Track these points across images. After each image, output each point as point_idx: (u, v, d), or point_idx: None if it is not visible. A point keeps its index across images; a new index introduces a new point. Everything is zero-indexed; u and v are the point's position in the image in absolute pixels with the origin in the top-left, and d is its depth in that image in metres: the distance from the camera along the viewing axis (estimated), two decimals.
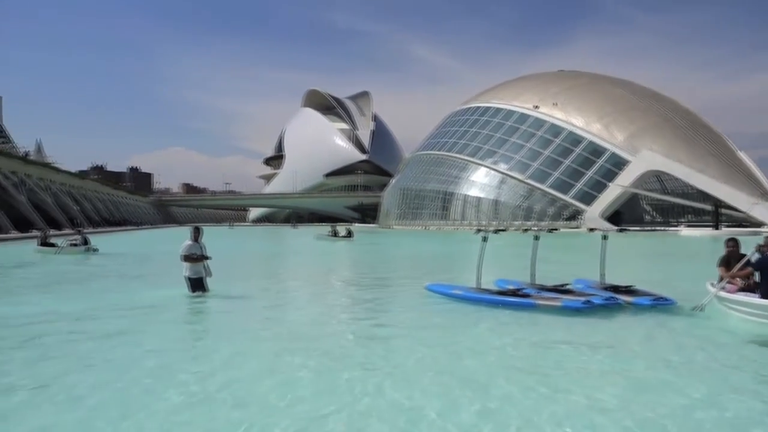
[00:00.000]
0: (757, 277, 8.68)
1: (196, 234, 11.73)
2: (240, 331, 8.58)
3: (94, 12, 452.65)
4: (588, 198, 62.24)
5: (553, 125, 67.40)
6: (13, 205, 58.97)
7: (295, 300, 12.53)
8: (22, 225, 54.34)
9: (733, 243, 9.60)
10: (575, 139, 65.50)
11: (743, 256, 9.24)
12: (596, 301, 9.60)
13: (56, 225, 59.70)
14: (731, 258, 9.39)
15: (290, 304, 12.01)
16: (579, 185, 62.95)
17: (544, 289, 10.90)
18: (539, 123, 68.39)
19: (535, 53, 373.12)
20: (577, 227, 60.27)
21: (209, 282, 11.73)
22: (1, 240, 40.58)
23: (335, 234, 42.22)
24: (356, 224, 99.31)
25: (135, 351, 7.11)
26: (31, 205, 61.26)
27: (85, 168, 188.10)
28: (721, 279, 9.22)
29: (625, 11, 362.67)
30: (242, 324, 9.30)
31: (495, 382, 5.64)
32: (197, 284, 11.55)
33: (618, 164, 62.82)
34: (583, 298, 9.69)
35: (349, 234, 41.94)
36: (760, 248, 9.07)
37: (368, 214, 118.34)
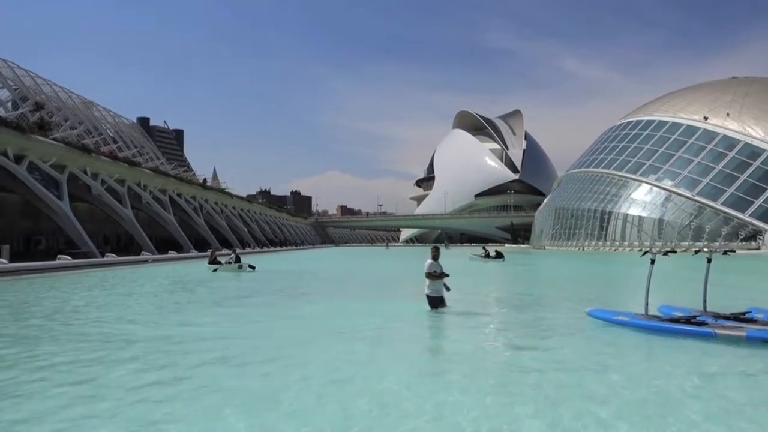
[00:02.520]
0: None
1: (436, 252, 12.44)
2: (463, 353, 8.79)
3: (258, 48, 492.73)
4: None
5: (726, 137, 61.57)
6: (193, 227, 65.54)
7: (466, 322, 11.94)
8: (200, 245, 60.07)
9: None
10: (753, 152, 59.23)
11: None
12: None
13: (228, 245, 65.22)
14: None
15: (465, 326, 11.55)
16: (759, 202, 56.66)
17: (719, 317, 9.82)
18: (710, 135, 62.83)
19: (701, 61, 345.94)
20: (757, 249, 54.21)
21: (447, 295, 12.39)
22: (184, 258, 45.21)
23: (487, 255, 42.10)
24: (507, 245, 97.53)
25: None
26: (208, 226, 67.62)
27: (253, 192, 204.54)
28: None
29: None
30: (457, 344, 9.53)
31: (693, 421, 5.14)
32: (436, 302, 12.15)
33: None
34: None
35: (499, 255, 41.54)
36: None
37: (520, 234, 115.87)
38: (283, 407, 5.51)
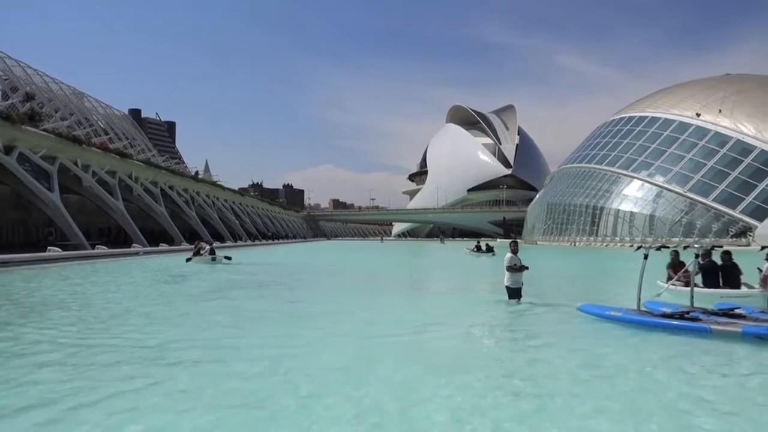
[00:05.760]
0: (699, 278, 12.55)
1: (515, 246, 12.93)
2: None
3: (252, 41, 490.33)
4: (761, 213, 55.98)
5: (717, 133, 61.74)
6: (185, 220, 65.18)
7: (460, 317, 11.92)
8: (193, 238, 59.74)
9: (675, 253, 13.99)
10: (745, 149, 59.40)
11: (683, 263, 13.32)
12: None
13: (220, 238, 64.96)
14: (675, 264, 13.84)
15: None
16: (750, 199, 56.91)
17: (708, 312, 9.77)
18: (702, 132, 63.01)
19: (699, 57, 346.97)
20: (747, 245, 54.52)
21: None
22: (175, 251, 44.93)
23: (479, 249, 42.54)
24: (499, 239, 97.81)
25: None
26: (200, 219, 67.28)
27: (245, 185, 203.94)
28: (670, 277, 13.45)
29: None
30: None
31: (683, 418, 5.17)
32: (515, 293, 12.63)
33: None
34: (767, 324, 8.68)
35: (490, 249, 41.91)
36: (701, 257, 12.57)
37: (512, 229, 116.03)
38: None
